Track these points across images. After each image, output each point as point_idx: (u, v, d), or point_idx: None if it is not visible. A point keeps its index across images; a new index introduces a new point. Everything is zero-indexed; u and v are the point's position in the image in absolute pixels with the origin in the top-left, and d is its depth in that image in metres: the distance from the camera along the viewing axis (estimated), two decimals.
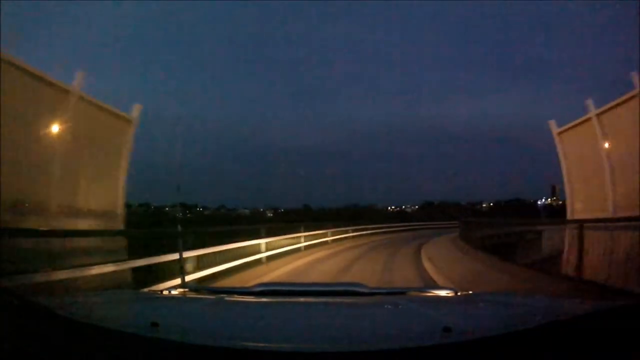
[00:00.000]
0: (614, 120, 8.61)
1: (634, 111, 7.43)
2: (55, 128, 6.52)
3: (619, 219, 7.39)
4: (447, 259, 10.65)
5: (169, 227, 10.43)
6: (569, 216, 10.79)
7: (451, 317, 1.21)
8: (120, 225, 8.12)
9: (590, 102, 9.44)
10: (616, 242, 6.33)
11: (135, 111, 8.63)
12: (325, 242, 17.72)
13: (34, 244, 4.97)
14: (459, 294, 1.76)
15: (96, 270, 5.12)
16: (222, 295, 1.82)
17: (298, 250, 14.26)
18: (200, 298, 1.84)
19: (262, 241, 11.18)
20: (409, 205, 50.16)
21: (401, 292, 1.78)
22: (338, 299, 1.73)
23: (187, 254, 6.90)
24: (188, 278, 6.72)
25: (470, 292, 1.96)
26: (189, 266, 7.09)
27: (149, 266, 6.21)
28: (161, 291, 1.99)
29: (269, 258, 11.24)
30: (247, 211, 44.04)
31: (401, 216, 41.90)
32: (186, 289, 1.94)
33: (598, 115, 9.12)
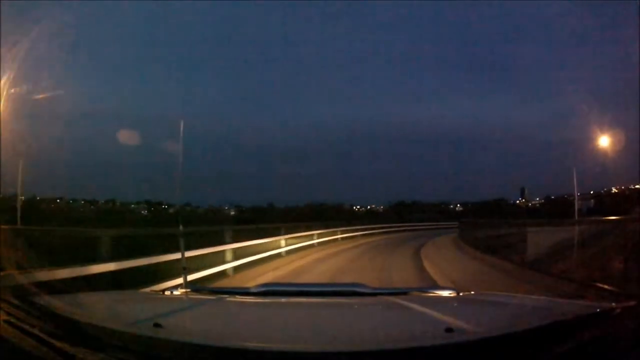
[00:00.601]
0: None
1: None
2: None
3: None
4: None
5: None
6: None
7: (453, 317, 1.21)
8: None
9: None
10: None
11: None
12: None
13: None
14: (460, 294, 1.76)
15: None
16: (223, 295, 1.82)
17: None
18: (202, 298, 1.84)
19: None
20: (380, 206, 49.41)
21: (403, 293, 1.78)
22: (339, 299, 1.73)
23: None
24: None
25: (472, 292, 1.96)
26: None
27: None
28: (162, 291, 1.99)
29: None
30: (226, 209, 43.38)
31: (370, 216, 40.18)
32: (187, 290, 1.93)
33: None
